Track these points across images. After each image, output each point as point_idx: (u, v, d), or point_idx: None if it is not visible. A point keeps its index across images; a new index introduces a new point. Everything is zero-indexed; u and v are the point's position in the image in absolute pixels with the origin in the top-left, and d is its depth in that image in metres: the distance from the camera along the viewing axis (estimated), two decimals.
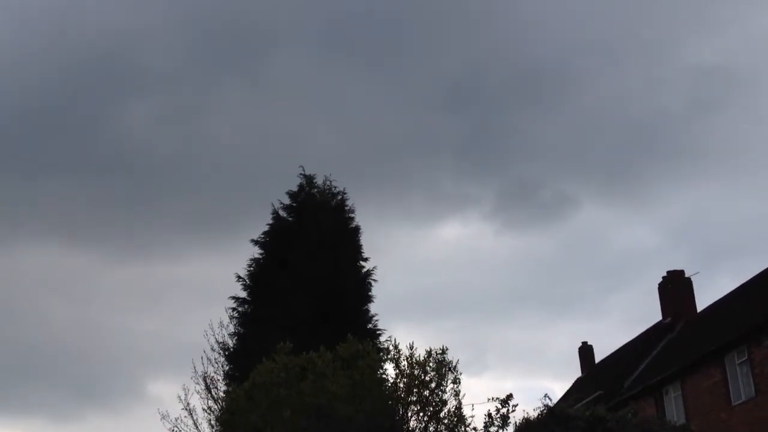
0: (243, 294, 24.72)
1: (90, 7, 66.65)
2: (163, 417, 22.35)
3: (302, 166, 25.20)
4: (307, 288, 22.22)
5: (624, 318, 71.11)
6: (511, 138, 75.02)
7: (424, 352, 14.94)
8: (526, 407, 16.20)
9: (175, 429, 22.69)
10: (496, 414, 14.75)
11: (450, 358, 14.99)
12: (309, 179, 24.55)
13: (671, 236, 72.66)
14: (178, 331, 68.24)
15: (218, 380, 24.16)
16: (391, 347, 15.32)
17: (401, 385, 14.83)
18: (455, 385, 14.93)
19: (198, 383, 23.81)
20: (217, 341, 24.64)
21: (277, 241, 24.13)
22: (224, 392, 24.12)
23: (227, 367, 24.41)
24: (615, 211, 73.54)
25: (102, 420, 65.75)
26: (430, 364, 14.80)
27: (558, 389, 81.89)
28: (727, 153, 68.04)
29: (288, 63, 70.51)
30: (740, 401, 23.92)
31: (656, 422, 23.23)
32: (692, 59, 68.93)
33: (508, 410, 14.86)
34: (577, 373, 40.46)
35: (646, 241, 71.98)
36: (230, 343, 24.69)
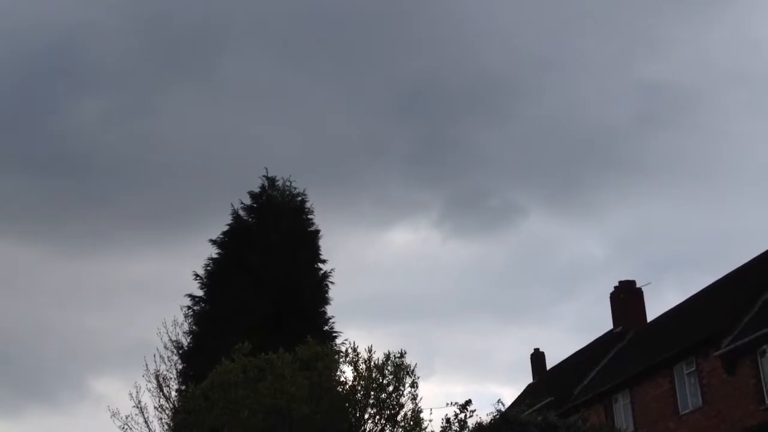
0: (200, 293, 24.62)
1: (38, 1, 65.77)
2: (113, 415, 22.12)
3: (266, 168, 25.19)
4: (265, 288, 22.18)
5: (572, 326, 72.25)
6: (462, 146, 75.90)
7: (383, 356, 15.06)
8: (476, 412, 16.36)
9: (126, 427, 22.50)
10: (455, 419, 14.92)
11: (408, 362, 15.13)
12: (271, 181, 24.52)
13: (618, 247, 74.07)
14: (125, 328, 67.48)
15: (171, 378, 24.01)
16: (350, 350, 15.39)
17: (359, 387, 14.91)
18: (413, 389, 15.09)
19: (150, 381, 23.63)
20: (170, 339, 24.47)
21: (236, 242, 24.05)
22: (177, 391, 23.98)
23: (181, 366, 24.27)
24: (563, 221, 74.78)
25: (42, 416, 64.67)
26: (389, 368, 14.92)
27: (506, 394, 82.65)
28: (672, 168, 69.65)
29: (242, 63, 70.38)
30: (687, 411, 24.50)
31: (606, 430, 23.72)
32: (640, 75, 70.47)
33: (466, 415, 15.03)
34: (528, 379, 41.01)
35: (594, 251, 73.30)
36: (184, 341, 24.55)
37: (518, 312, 75.71)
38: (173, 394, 23.76)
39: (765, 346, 21.44)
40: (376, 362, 14.99)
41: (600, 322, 75.46)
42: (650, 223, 70.90)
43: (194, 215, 67.88)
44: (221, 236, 25.02)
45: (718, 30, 70.60)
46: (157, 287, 66.34)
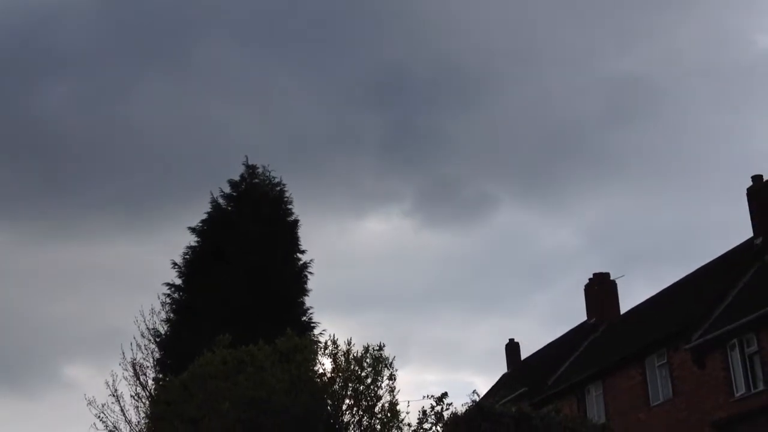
0: (178, 281, 24.61)
1: None
2: (90, 403, 22.13)
3: (246, 156, 25.20)
4: (244, 278, 22.25)
5: (545, 316, 72.96)
6: (434, 136, 76.22)
7: (362, 348, 15.26)
8: (452, 404, 16.58)
9: (102, 415, 22.53)
10: (431, 411, 15.16)
11: (386, 355, 15.34)
12: (251, 169, 24.54)
13: (590, 239, 74.81)
14: (96, 315, 67.21)
15: (148, 367, 24.03)
16: (329, 342, 15.55)
17: (337, 379, 15.10)
18: (391, 381, 15.31)
19: (126, 369, 23.63)
20: (147, 327, 24.47)
21: (215, 230, 24.07)
22: (154, 379, 24.02)
23: (158, 354, 24.30)
24: (535, 212, 75.43)
25: (11, 401, 64.33)
26: (367, 360, 15.12)
27: (480, 384, 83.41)
28: (641, 161, 70.42)
29: (215, 50, 70.20)
30: (658, 402, 24.96)
31: (578, 420, 24.10)
32: (609, 69, 71.12)
33: (442, 408, 15.28)
34: (502, 369, 41.44)
35: (566, 242, 73.94)
36: (162, 329, 24.57)
37: (491, 302, 76.42)
38: (150, 382, 23.84)
39: (734, 340, 21.90)
40: (355, 355, 15.19)
41: (573, 312, 76.43)
42: (621, 216, 71.76)
43: (166, 201, 67.73)
44: (200, 224, 25.00)
45: (686, 25, 71.38)
46: (129, 274, 66.10)
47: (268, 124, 72.35)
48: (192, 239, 24.84)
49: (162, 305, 24.72)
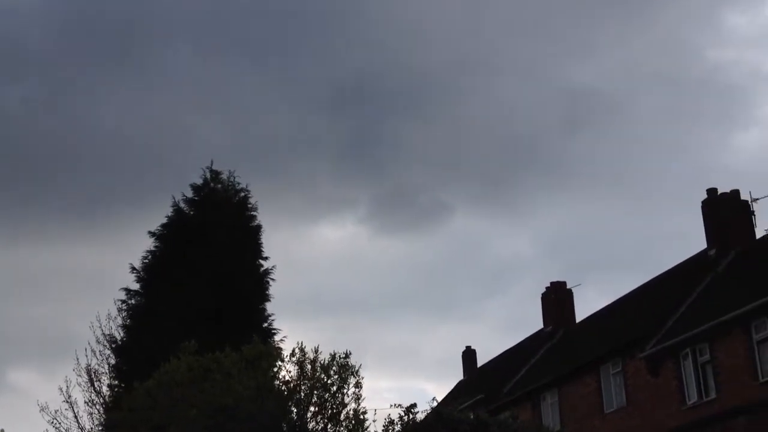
0: (136, 286, 24.33)
1: None
2: (42, 409, 21.77)
3: (212, 160, 25.06)
4: (205, 284, 22.09)
5: (500, 323, 73.73)
6: (390, 143, 76.80)
7: (329, 356, 15.31)
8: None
9: (55, 421, 22.19)
10: (398, 420, 15.27)
11: (353, 362, 15.42)
12: (215, 174, 24.40)
13: (545, 248, 75.79)
14: (47, 319, 66.01)
15: (103, 373, 23.74)
16: (296, 350, 15.57)
17: (303, 386, 15.14)
18: (357, 389, 15.38)
19: (80, 375, 23.32)
20: (103, 333, 24.16)
21: (177, 235, 23.86)
22: (109, 386, 23.73)
23: (114, 360, 24.01)
24: (491, 220, 76.32)
25: None
26: (334, 368, 15.18)
27: (434, 390, 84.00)
28: (597, 172, 71.70)
29: (176, 54, 69.77)
30: (612, 410, 25.43)
31: (534, 427, 24.45)
32: (567, 79, 72.34)
33: (410, 418, 15.39)
34: (457, 375, 41.74)
35: (522, 250, 74.85)
36: (118, 335, 24.28)
37: (447, 309, 76.90)
38: (105, 389, 23.56)
39: (687, 350, 22.44)
40: (322, 362, 15.24)
41: (528, 320, 77.45)
42: (576, 225, 72.88)
43: (124, 205, 66.87)
44: (160, 228, 24.75)
45: (641, 38, 72.84)
46: (84, 278, 65.09)
47: (228, 128, 72.05)
48: (152, 243, 24.63)
49: (119, 311, 24.46)
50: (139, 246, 24.66)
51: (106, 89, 68.31)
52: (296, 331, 69.70)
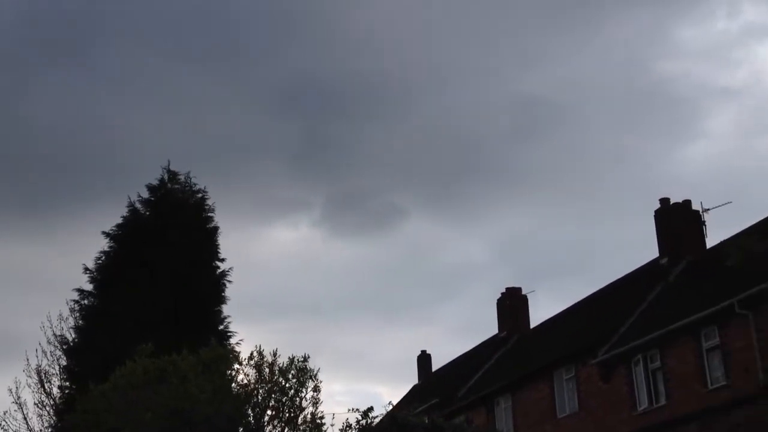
0: (89, 287, 23.98)
1: None
2: None
3: (169, 160, 24.85)
4: (161, 285, 21.87)
5: (454, 328, 74.12)
6: (344, 147, 77.04)
7: (287, 359, 15.27)
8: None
9: (3, 423, 21.79)
10: (356, 424, 15.29)
11: (311, 366, 15.40)
12: (172, 175, 24.18)
13: (498, 253, 76.51)
14: None
15: (53, 374, 23.37)
16: (255, 353, 15.49)
17: (260, 390, 15.08)
18: (316, 393, 15.37)
19: (30, 376, 22.92)
20: (54, 334, 23.77)
21: (133, 236, 23.59)
22: (60, 387, 23.35)
23: (65, 362, 23.64)
24: (443, 225, 76.81)
25: None
26: (292, 372, 15.14)
27: (387, 394, 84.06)
28: (545, 178, 72.58)
29: (124, 52, 69.07)
30: (565, 415, 25.73)
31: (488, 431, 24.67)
32: (515, 88, 73.36)
33: (368, 422, 15.42)
34: (411, 379, 41.88)
35: (475, 255, 75.43)
36: (70, 336, 23.90)
37: (400, 312, 77.08)
38: (55, 390, 23.19)
39: (639, 356, 22.82)
40: (280, 366, 15.19)
41: (481, 325, 77.96)
42: (528, 231, 73.63)
43: (73, 204, 65.83)
44: (115, 229, 24.45)
45: (588, 49, 74.13)
46: (31, 278, 63.81)
47: (179, 128, 71.46)
48: (106, 244, 24.30)
49: (71, 311, 24.08)
50: (91, 246, 24.41)
51: (48, 85, 67.32)
52: (250, 333, 69.32)
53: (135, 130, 66.35)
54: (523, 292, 34.82)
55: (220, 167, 70.70)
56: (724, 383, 19.95)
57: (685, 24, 77.09)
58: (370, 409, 15.55)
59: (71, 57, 69.23)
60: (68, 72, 68.72)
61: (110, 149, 66.93)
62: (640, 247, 58.25)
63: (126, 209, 24.30)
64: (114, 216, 25.00)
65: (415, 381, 41.31)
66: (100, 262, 24.07)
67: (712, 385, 20.37)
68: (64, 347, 23.75)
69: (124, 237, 23.74)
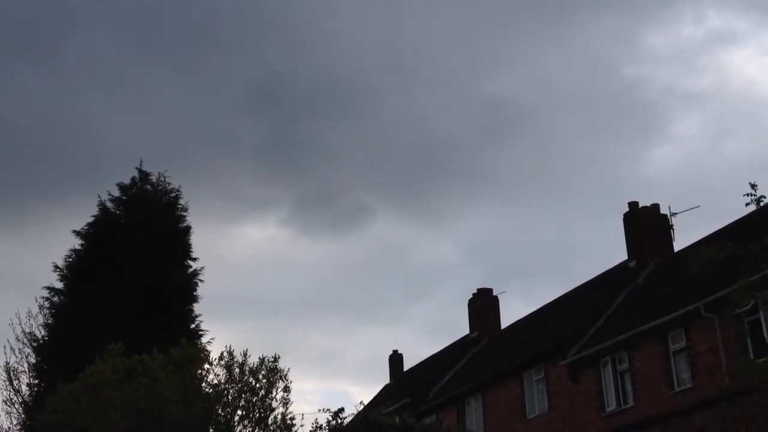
0: (59, 285, 23.85)
1: None
2: None
3: (141, 159, 24.78)
4: (132, 284, 21.80)
5: (423, 328, 74.40)
6: (313, 146, 77.10)
7: (257, 359, 15.31)
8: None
9: None
10: (327, 425, 15.35)
11: (282, 366, 15.44)
12: (144, 174, 24.09)
13: (467, 253, 76.89)
14: None
15: (22, 372, 23.23)
16: (225, 353, 15.51)
17: (231, 390, 15.09)
18: (286, 393, 15.42)
19: None
20: (24, 331, 23.62)
21: (103, 234, 23.47)
22: (29, 385, 23.21)
23: (35, 359, 23.49)
24: (413, 225, 77.14)
25: None
26: (262, 372, 15.17)
27: (358, 393, 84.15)
28: (513, 180, 73.26)
29: (91, 47, 68.57)
30: (534, 415, 25.96)
31: (458, 431, 24.82)
32: (482, 90, 73.81)
33: (338, 422, 15.48)
34: (381, 378, 42.05)
35: (444, 256, 75.77)
36: (39, 334, 23.76)
37: (370, 312, 77.19)
38: (24, 388, 23.06)
39: (607, 358, 23.09)
40: (251, 366, 15.22)
41: (452, 325, 78.26)
42: (496, 232, 74.15)
43: (40, 201, 65.19)
44: (86, 227, 24.36)
45: (556, 52, 74.76)
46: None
47: (146, 126, 71.08)
48: (77, 242, 24.18)
49: (40, 308, 23.94)
50: (62, 244, 24.33)
51: (21, 82, 66.63)
52: (219, 332, 69.25)
53: (104, 127, 66.02)
54: (495, 293, 35.05)
55: (189, 164, 70.51)
56: (689, 386, 20.25)
57: (652, 29, 78.04)
58: (341, 410, 15.63)
59: (38, 52, 68.62)
60: (36, 67, 68.13)
61: (81, 146, 66.44)
62: (609, 248, 59.06)
63: (97, 208, 24.24)
64: (85, 214, 24.94)
65: (387, 380, 41.45)
66: (71, 260, 23.98)
67: (678, 387, 20.66)
68: (34, 345, 23.63)
69: (95, 236, 23.64)
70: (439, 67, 74.29)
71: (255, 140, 76.25)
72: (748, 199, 14.01)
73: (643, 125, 72.39)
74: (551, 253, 71.53)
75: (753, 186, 13.97)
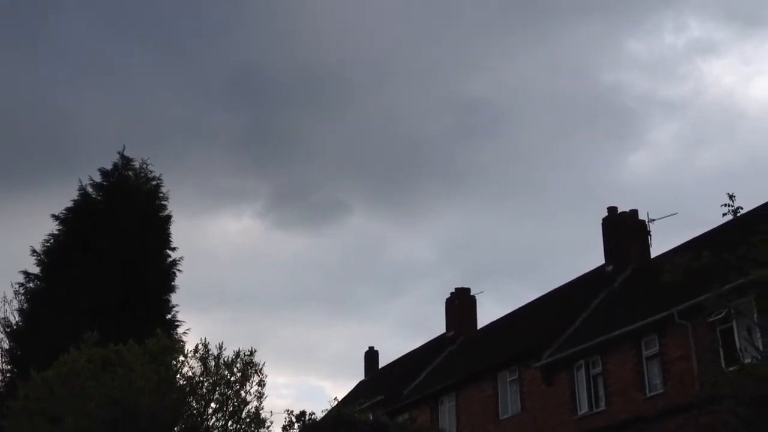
0: (36, 270, 23.68)
1: None
2: None
3: (124, 145, 24.63)
4: (110, 272, 21.69)
5: (398, 325, 74.53)
6: (290, 139, 77.01)
7: (233, 353, 15.31)
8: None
9: None
10: (298, 422, 15.39)
11: (257, 360, 15.45)
12: (126, 160, 23.94)
13: (443, 252, 77.06)
14: None
15: None
16: (200, 345, 15.50)
17: (205, 382, 15.08)
18: (260, 387, 15.43)
19: None
20: None
21: (82, 220, 23.32)
22: (1, 371, 23.04)
23: (8, 345, 23.33)
24: (388, 222, 77.24)
25: None
26: (237, 365, 15.17)
27: (331, 388, 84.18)
28: (488, 180, 73.56)
29: (70, 33, 68.06)
30: (507, 416, 26.12)
31: (431, 430, 24.93)
32: (463, 89, 74.08)
33: (304, 421, 15.52)
34: (355, 374, 42.07)
35: (420, 254, 75.93)
36: (14, 319, 23.59)
37: (345, 308, 77.18)
38: None
39: (581, 361, 23.28)
40: (226, 359, 15.22)
41: (425, 323, 78.40)
42: (472, 231, 74.34)
43: (18, 184, 64.62)
44: (65, 212, 24.18)
45: (533, 55, 75.15)
46: None
47: (125, 112, 70.65)
48: (55, 227, 24.01)
49: (15, 294, 23.76)
50: (39, 228, 24.19)
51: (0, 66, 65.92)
52: (194, 323, 68.89)
53: (84, 113, 65.50)
54: (472, 293, 35.19)
55: (165, 152, 70.28)
56: (661, 391, 20.47)
57: (633, 36, 78.58)
58: (303, 414, 15.67)
59: (19, 38, 67.99)
60: (16, 52, 67.47)
61: (61, 131, 65.92)
62: (584, 252, 59.28)
63: (77, 192, 24.09)
64: (64, 199, 24.76)
65: (361, 377, 41.53)
66: (48, 245, 23.81)
67: (650, 392, 20.88)
68: (8, 330, 23.45)
69: (74, 221, 23.48)
70: (417, 65, 74.55)
71: (232, 131, 76.09)
72: (725, 210, 14.17)
73: (620, 131, 72.99)
74: (526, 255, 71.92)
75: (731, 197, 14.14)
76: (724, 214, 14.20)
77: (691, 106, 73.66)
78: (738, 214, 14.53)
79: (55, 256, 23.28)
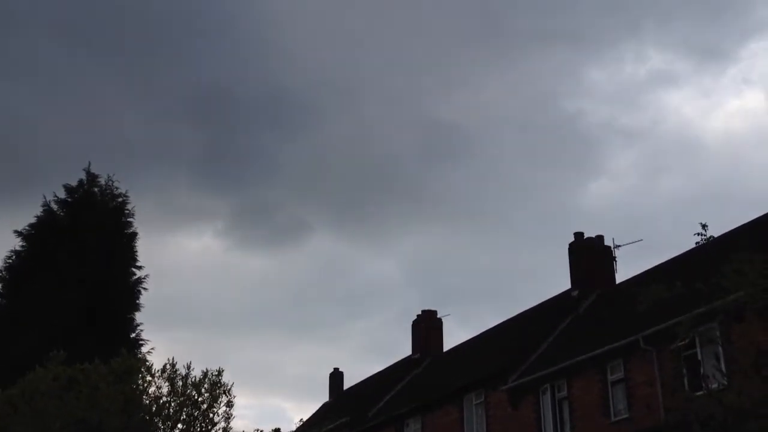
0: None
1: None
2: None
3: (90, 162, 24.36)
4: (74, 289, 21.35)
5: (361, 347, 74.16)
6: (252, 158, 76.84)
7: (200, 373, 15.12)
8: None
9: None
10: None
11: (225, 381, 15.28)
12: (92, 177, 23.65)
13: (408, 274, 77.05)
14: None
15: None
16: (168, 365, 15.28)
17: (172, 403, 14.86)
18: (228, 408, 15.25)
19: None
20: None
21: (46, 236, 22.96)
22: None
23: None
24: (352, 243, 77.15)
25: None
26: (205, 386, 14.98)
27: (294, 410, 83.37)
28: (456, 203, 73.79)
29: (31, 46, 67.51)
30: None
31: None
32: (428, 112, 74.71)
33: None
34: (318, 396, 41.78)
35: (385, 275, 75.81)
36: None
37: (308, 329, 76.60)
38: None
39: (547, 385, 23.39)
40: (194, 379, 15.02)
41: (390, 345, 78.20)
42: (437, 253, 74.35)
43: None
44: (28, 228, 23.81)
45: (501, 82, 76.03)
46: None
47: (86, 129, 69.99)
48: (17, 243, 23.61)
49: None
50: (1, 244, 23.71)
51: None
52: (155, 342, 67.63)
53: (46, 128, 64.73)
54: (439, 316, 35.22)
55: (128, 169, 69.57)
56: (626, 416, 20.61)
57: (595, 66, 79.87)
58: (277, 430, 15.53)
59: None
60: None
61: (24, 144, 65.04)
62: (550, 277, 59.63)
63: (41, 208, 23.73)
64: (27, 214, 24.39)
65: (325, 398, 41.25)
66: (11, 261, 23.42)
67: (615, 417, 21.01)
68: None
69: (38, 237, 23.11)
70: (383, 87, 75.03)
71: (194, 150, 75.61)
72: (698, 238, 14.41)
73: (583, 158, 73.89)
74: (493, 279, 72.20)
75: (703, 226, 14.38)
76: (698, 243, 14.44)
77: (650, 135, 74.94)
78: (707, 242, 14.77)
79: (17, 273, 22.87)
